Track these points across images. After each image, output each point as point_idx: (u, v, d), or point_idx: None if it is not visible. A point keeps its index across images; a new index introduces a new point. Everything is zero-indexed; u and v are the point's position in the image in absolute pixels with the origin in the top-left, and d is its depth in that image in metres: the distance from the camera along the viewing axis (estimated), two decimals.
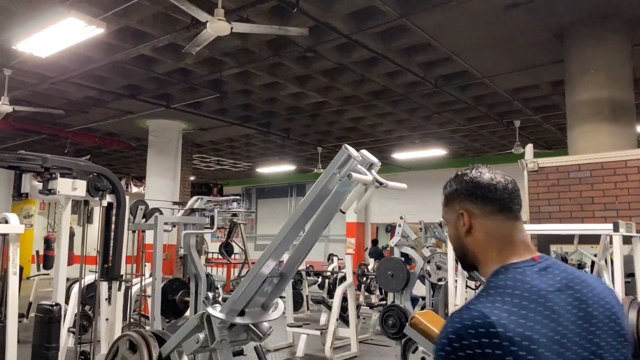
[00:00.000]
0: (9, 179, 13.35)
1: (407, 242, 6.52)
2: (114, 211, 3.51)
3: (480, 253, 1.19)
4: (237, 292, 1.98)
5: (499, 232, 1.17)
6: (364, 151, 1.79)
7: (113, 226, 3.54)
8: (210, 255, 13.22)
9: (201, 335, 2.02)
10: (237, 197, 4.76)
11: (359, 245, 15.87)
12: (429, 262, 6.05)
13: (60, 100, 8.76)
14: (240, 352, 4.20)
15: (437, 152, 12.35)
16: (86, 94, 8.46)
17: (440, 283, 5.60)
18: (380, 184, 1.89)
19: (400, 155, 12.94)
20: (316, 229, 1.93)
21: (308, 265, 11.74)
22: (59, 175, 3.07)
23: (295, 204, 17.61)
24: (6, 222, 5.41)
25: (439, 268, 6.03)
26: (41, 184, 3.16)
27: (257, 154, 13.88)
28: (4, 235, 5.44)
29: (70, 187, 3.17)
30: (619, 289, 3.13)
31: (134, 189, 16.36)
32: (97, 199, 3.42)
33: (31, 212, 18.17)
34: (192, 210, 4.05)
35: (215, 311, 1.98)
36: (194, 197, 4.32)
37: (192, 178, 16.10)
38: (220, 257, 11.28)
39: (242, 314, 2.03)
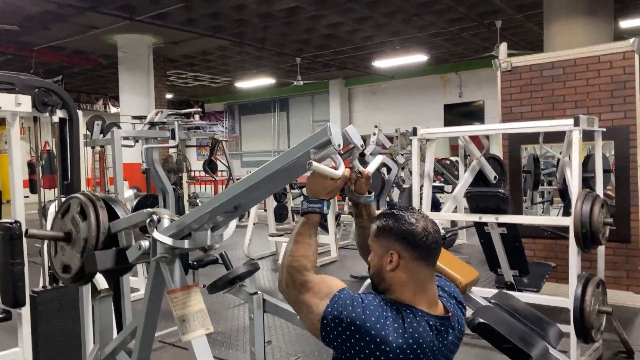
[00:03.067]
0: None
1: (382, 150, 6.52)
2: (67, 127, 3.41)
3: (396, 287, 1.35)
4: (188, 218, 1.92)
5: (418, 277, 1.34)
6: (349, 129, 1.43)
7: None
8: (194, 173, 13.25)
9: (144, 243, 2.01)
10: (199, 110, 4.59)
11: None
12: (402, 168, 6.09)
13: (17, 16, 8.25)
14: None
15: (419, 57, 12.03)
16: (44, 8, 7.96)
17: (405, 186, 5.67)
18: (359, 173, 1.53)
19: (382, 63, 12.61)
20: (273, 188, 1.80)
21: None
22: None
23: (278, 119, 17.42)
24: None
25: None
26: None
27: (235, 68, 13.45)
28: None
29: (14, 103, 3.03)
30: (576, 184, 3.16)
31: (113, 110, 16.00)
32: (47, 114, 3.30)
33: None
34: (152, 124, 3.95)
35: (162, 236, 1.93)
36: (154, 111, 4.20)
37: (170, 96, 15.73)
38: (205, 175, 11.33)
39: (188, 236, 1.99)
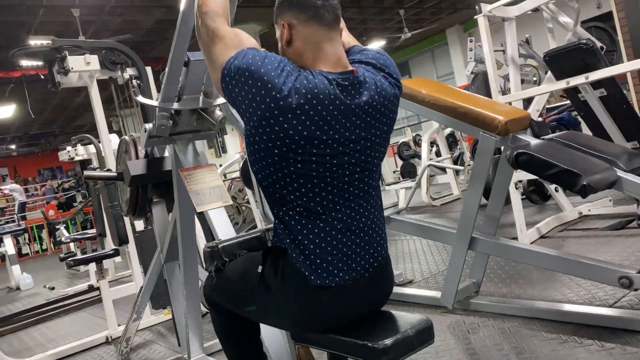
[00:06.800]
0: None
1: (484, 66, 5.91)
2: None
3: (298, 61, 1.29)
4: (164, 78, 2.00)
5: (312, 39, 1.28)
6: None
7: None
8: None
9: (148, 125, 2.11)
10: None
11: None
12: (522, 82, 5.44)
13: (139, 31, 9.32)
14: None
15: None
16: (155, 17, 8.85)
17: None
18: None
19: None
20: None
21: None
22: (67, 54, 3.32)
23: None
24: None
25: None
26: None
27: None
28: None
29: (84, 63, 3.41)
30: None
31: None
32: (119, 73, 3.65)
33: None
34: None
35: (145, 98, 2.03)
36: None
37: None
38: None
39: (179, 100, 2.06)
